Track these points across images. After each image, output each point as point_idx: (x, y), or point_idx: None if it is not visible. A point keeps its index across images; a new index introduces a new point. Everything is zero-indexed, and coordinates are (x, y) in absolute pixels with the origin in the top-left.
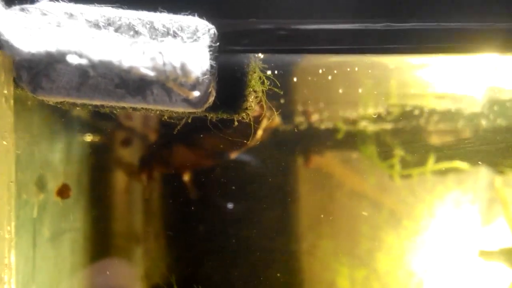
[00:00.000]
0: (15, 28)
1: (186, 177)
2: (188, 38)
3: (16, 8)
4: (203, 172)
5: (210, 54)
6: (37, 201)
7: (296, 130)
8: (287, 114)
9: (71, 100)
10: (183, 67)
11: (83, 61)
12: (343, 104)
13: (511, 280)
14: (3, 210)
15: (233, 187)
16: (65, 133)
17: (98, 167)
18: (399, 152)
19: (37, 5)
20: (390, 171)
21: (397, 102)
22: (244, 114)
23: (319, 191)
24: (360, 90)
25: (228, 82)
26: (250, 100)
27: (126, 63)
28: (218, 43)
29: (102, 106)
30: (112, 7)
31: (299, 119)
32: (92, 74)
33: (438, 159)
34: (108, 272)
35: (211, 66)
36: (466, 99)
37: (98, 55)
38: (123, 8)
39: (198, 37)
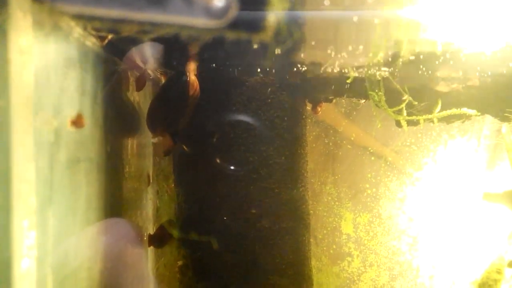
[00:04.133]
0: None
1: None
2: None
3: None
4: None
5: None
6: (52, 126)
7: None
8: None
9: (89, 11)
10: None
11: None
12: (353, 51)
13: None
14: (23, 126)
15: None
16: (80, 64)
17: (112, 103)
18: (407, 98)
19: None
20: (397, 116)
21: (407, 48)
22: (263, 33)
23: (326, 138)
24: (369, 37)
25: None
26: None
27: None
28: None
29: (121, 20)
30: None
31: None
32: None
33: (446, 107)
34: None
35: None
36: (475, 45)
37: None
38: None
39: None
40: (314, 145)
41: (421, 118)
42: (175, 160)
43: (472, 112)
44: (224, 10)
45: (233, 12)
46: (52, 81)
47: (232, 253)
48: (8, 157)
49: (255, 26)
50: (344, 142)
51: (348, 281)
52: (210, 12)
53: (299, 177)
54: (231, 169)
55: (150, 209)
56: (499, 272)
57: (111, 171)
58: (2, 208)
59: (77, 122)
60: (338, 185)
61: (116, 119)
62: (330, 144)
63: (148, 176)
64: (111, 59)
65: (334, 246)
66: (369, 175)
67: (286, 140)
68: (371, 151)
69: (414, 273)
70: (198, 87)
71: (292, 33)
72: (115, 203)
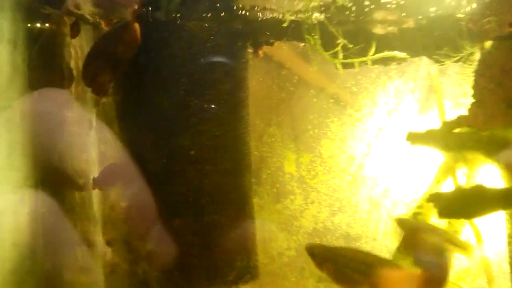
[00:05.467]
0: None
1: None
2: None
3: None
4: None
5: None
6: None
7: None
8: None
9: None
10: None
11: None
12: None
13: (439, 162)
14: None
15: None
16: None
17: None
18: (342, 41)
19: None
20: (333, 60)
21: None
22: None
23: (268, 80)
24: None
25: None
26: None
27: None
28: None
29: None
30: None
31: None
32: None
33: (382, 49)
34: None
35: None
36: None
37: None
38: None
39: None
40: (258, 88)
41: (355, 60)
42: (117, 105)
43: (402, 54)
44: None
45: None
46: None
47: (174, 194)
48: None
49: None
50: (287, 84)
51: (290, 218)
52: None
53: (239, 119)
54: (171, 113)
55: (94, 153)
56: (427, 206)
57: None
58: None
59: None
60: (281, 127)
61: (46, 67)
62: (274, 86)
63: (90, 121)
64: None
65: (278, 185)
66: (311, 117)
67: (225, 84)
68: (314, 92)
69: (352, 208)
70: (138, 35)
71: None
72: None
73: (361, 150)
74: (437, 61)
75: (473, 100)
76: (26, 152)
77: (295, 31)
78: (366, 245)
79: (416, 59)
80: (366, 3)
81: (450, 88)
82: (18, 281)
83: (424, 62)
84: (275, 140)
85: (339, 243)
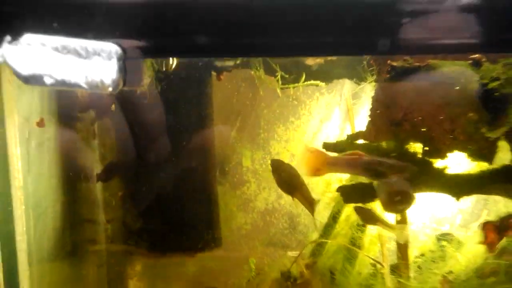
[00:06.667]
0: (15, 58)
1: None
2: (106, 57)
3: (15, 42)
4: None
5: (119, 65)
6: (27, 126)
7: None
8: None
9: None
10: (102, 82)
11: (52, 80)
12: None
13: None
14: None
15: None
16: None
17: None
18: (279, 73)
19: (22, 39)
20: (274, 86)
21: None
22: None
23: (230, 97)
24: None
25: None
26: None
27: (73, 80)
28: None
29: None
30: (65, 37)
31: None
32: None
33: (312, 76)
34: None
35: (119, 69)
36: None
37: (60, 75)
38: (71, 37)
39: (112, 57)
40: (222, 104)
41: (290, 86)
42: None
43: (319, 83)
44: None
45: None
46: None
47: (160, 184)
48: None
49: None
50: (244, 99)
51: (247, 201)
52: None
53: (207, 128)
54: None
55: (96, 155)
56: None
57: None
58: (2, 172)
59: (40, 123)
60: (240, 131)
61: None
62: (234, 101)
63: (94, 132)
64: None
65: (237, 176)
66: (263, 123)
67: (192, 102)
68: (265, 106)
69: None
70: None
71: None
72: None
73: (299, 149)
74: (355, 84)
75: (369, 119)
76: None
77: (245, 64)
78: (304, 221)
79: (340, 80)
80: None
81: (362, 108)
82: None
83: (347, 82)
84: (236, 141)
85: (284, 219)
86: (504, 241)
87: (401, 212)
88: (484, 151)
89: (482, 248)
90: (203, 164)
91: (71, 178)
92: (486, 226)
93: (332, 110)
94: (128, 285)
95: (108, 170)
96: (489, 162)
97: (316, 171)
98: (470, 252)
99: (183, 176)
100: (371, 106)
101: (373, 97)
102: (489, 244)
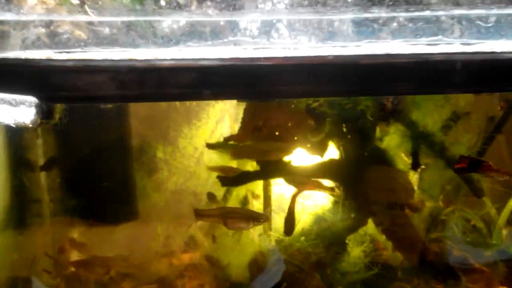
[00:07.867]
0: None
1: None
2: (28, 105)
3: None
4: None
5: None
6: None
7: None
8: None
9: None
10: (24, 122)
11: None
12: None
13: None
14: None
15: None
16: None
17: None
18: None
19: None
20: None
21: None
22: None
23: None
24: None
25: None
26: None
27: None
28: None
29: None
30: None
31: None
32: None
33: None
34: None
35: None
36: None
37: None
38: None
39: (31, 105)
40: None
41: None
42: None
43: None
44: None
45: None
46: None
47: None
48: None
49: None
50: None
51: (160, 184)
52: None
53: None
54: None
55: (40, 151)
56: None
57: None
58: None
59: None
60: (153, 130)
61: None
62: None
63: (38, 133)
64: None
65: (152, 165)
66: (172, 124)
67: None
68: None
69: (196, 175)
70: None
71: None
72: None
73: (202, 143)
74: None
75: (240, 125)
76: None
77: None
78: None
79: None
80: None
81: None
82: None
83: None
84: (150, 139)
85: (190, 198)
86: None
87: None
88: (317, 149)
89: None
90: (122, 156)
91: (21, 169)
92: None
93: (224, 115)
94: (67, 249)
95: (50, 163)
96: (321, 156)
97: None
98: None
99: (107, 166)
100: (242, 115)
101: (244, 109)
102: None
